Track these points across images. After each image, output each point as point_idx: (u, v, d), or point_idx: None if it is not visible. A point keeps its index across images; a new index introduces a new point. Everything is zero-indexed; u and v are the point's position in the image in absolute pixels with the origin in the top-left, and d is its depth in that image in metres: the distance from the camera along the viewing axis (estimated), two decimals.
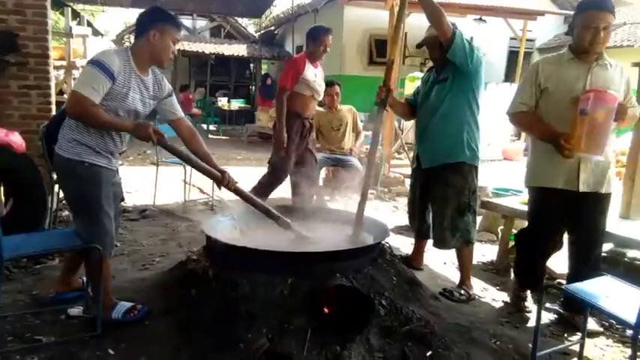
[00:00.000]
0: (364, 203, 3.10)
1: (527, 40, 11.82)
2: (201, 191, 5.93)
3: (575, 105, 2.56)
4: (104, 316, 2.50)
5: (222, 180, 2.72)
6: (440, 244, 3.27)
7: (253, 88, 19.48)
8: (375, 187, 6.45)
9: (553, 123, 2.69)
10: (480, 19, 11.24)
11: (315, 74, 4.31)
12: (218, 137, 13.13)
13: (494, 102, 7.02)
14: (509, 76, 13.70)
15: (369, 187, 3.24)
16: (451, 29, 2.97)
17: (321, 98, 4.53)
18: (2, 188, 3.55)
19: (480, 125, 3.22)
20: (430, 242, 3.62)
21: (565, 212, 2.81)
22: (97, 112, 2.31)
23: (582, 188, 2.71)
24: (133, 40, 2.57)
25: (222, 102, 16.19)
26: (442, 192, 3.19)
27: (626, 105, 2.67)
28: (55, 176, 3.64)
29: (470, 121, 3.15)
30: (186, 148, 2.72)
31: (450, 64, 3.09)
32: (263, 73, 18.67)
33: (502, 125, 9.71)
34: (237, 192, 2.83)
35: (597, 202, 2.78)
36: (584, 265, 2.83)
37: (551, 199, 2.80)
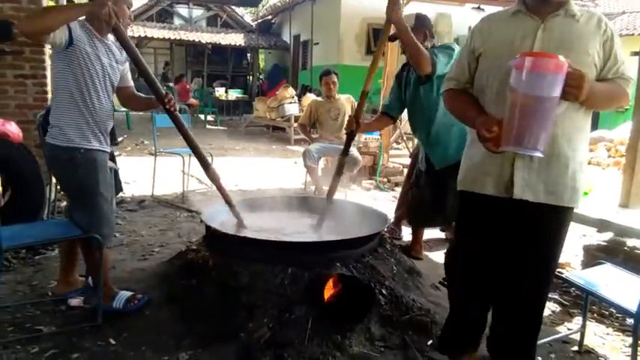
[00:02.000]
0: (335, 187, 3.15)
1: None
2: (200, 181, 5.92)
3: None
4: (105, 305, 2.50)
5: (164, 97, 2.60)
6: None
7: (251, 78, 19.40)
8: (374, 177, 6.44)
9: (488, 104, 1.85)
10: (479, 7, 11.18)
11: None
12: (216, 128, 13.08)
13: None
14: None
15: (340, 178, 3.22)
16: (429, 64, 2.87)
17: None
18: (0, 179, 3.53)
19: None
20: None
21: (497, 230, 1.96)
22: (45, 10, 2.22)
23: (519, 194, 1.81)
24: (129, 30, 2.53)
25: (220, 92, 16.12)
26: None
27: (582, 72, 1.63)
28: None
29: None
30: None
31: None
32: (274, 64, 18.57)
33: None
34: (174, 116, 2.68)
35: (546, 218, 1.86)
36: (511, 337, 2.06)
37: (477, 208, 1.98)
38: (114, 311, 2.52)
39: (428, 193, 3.41)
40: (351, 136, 3.19)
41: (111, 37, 2.53)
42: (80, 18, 2.36)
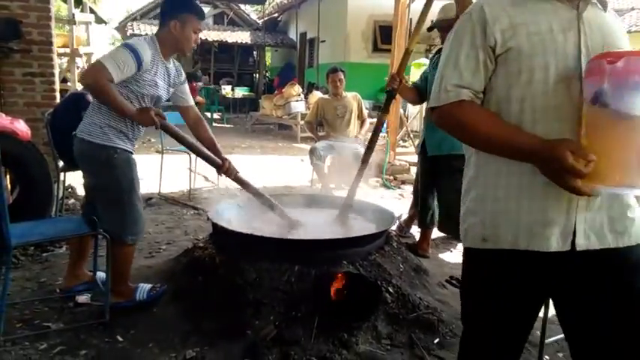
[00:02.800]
0: (357, 185, 3.14)
1: None
2: (207, 179, 5.93)
3: (573, 85, 1.26)
4: (113, 302, 2.52)
5: (222, 167, 2.71)
6: (456, 231, 3.24)
7: (257, 75, 19.41)
8: (381, 174, 6.43)
9: (522, 124, 1.29)
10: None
11: None
12: (222, 125, 13.11)
13: None
14: None
15: (365, 171, 3.20)
16: None
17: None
18: (8, 176, 3.55)
19: None
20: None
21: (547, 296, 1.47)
22: (109, 88, 2.30)
23: (583, 244, 1.26)
24: (135, 28, 2.55)
25: (226, 90, 16.14)
26: (454, 181, 3.14)
27: None
28: (61, 163, 3.65)
29: None
30: (190, 134, 2.71)
31: None
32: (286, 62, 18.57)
33: None
34: (238, 180, 2.82)
35: (624, 268, 1.31)
36: None
37: (522, 272, 1.33)
38: (122, 307, 2.53)
39: (422, 181, 3.50)
40: (391, 95, 3.15)
41: (172, 60, 2.63)
42: (155, 44, 2.49)
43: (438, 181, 3.28)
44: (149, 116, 2.37)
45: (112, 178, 2.46)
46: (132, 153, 2.55)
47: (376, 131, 3.15)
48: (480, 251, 1.37)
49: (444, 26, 3.14)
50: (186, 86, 2.79)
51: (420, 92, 3.47)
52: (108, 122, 2.43)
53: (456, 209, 3.16)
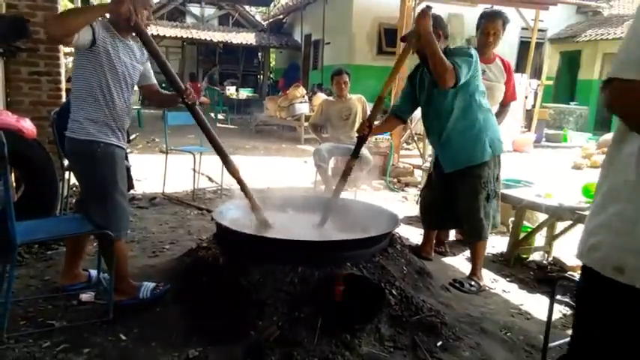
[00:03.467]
0: (341, 188, 3.19)
1: (539, 30, 11.66)
2: (210, 179, 5.94)
3: None
4: (117, 300, 2.52)
5: (184, 91, 2.63)
6: (477, 236, 3.20)
7: (261, 77, 19.45)
8: (384, 177, 6.43)
9: None
10: (492, 7, 11.10)
11: (482, 70, 3.40)
12: (226, 126, 13.12)
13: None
14: (520, 67, 13.56)
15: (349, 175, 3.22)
16: (453, 78, 2.80)
17: (491, 103, 3.46)
18: (14, 174, 3.56)
19: (491, 112, 3.19)
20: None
21: None
22: (66, 12, 2.31)
23: None
24: None
25: (231, 91, 16.17)
26: (472, 186, 3.13)
27: None
28: (66, 162, 3.66)
29: (484, 117, 3.10)
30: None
31: None
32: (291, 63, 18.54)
33: (512, 116, 9.65)
34: (193, 110, 2.71)
35: None
36: None
37: None
38: (126, 306, 2.54)
39: (438, 195, 3.40)
40: (362, 140, 3.20)
41: (132, 37, 2.59)
42: (103, 18, 2.43)
43: (454, 189, 3.23)
44: (125, 4, 2.27)
45: (94, 173, 2.48)
46: (118, 146, 2.54)
47: (344, 176, 3.18)
48: (606, 279, 1.13)
49: (417, 37, 3.08)
50: (149, 64, 2.77)
51: (399, 116, 3.43)
52: (87, 115, 2.44)
53: (475, 216, 3.12)
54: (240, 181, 2.88)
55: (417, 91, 3.27)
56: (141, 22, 2.41)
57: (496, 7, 4.74)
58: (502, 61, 3.76)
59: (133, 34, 2.55)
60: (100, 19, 2.43)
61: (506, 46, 13.14)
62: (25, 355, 2.14)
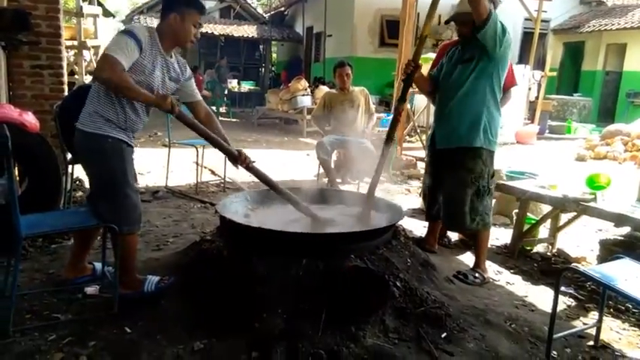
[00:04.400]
0: (377, 181, 3.11)
1: (542, 20, 11.59)
2: (213, 173, 5.94)
3: None
4: (123, 293, 2.53)
5: (238, 157, 2.73)
6: (457, 226, 3.25)
7: (263, 70, 19.39)
8: (387, 169, 6.42)
9: None
10: None
11: None
12: (228, 120, 13.11)
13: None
14: (523, 58, 13.49)
15: (383, 167, 3.20)
16: (487, 10, 2.83)
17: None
18: (17, 168, 3.56)
19: (500, 110, 3.17)
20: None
21: None
22: (126, 78, 2.32)
23: None
24: (142, 21, 2.54)
25: (232, 84, 16.12)
26: (461, 176, 3.13)
27: None
28: (69, 156, 3.66)
29: (490, 105, 3.09)
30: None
31: (476, 44, 2.98)
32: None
33: (515, 108, 9.59)
34: (253, 170, 2.82)
35: None
36: None
37: None
38: (131, 299, 2.54)
39: (432, 182, 3.43)
40: (407, 82, 3.12)
41: (174, 53, 2.64)
42: (151, 29, 2.51)
43: (443, 175, 3.25)
44: (168, 102, 2.39)
45: (104, 167, 2.48)
46: (127, 144, 2.54)
47: (395, 121, 3.15)
48: None
49: (461, 19, 3.10)
50: (193, 82, 2.80)
51: (433, 83, 3.41)
52: (99, 111, 2.44)
53: (457, 206, 3.12)
54: (252, 169, 2.88)
55: (446, 65, 3.28)
56: (181, 110, 2.48)
57: None
58: None
59: (177, 48, 2.60)
60: (148, 27, 2.48)
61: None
62: (31, 348, 2.15)
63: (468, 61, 3.08)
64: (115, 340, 2.25)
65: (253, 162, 2.81)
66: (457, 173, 3.15)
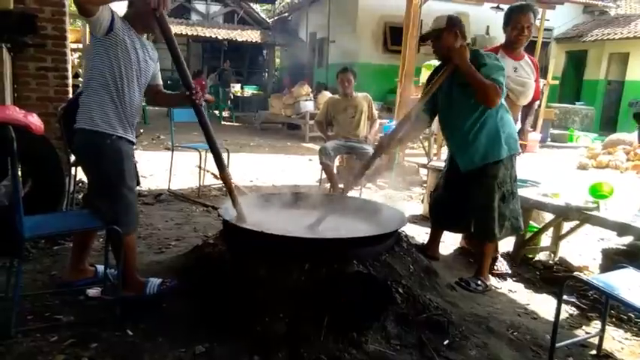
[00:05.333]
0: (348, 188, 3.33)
1: (545, 29, 11.62)
2: (216, 177, 5.93)
3: None
4: (124, 295, 2.53)
5: (192, 89, 2.62)
6: (486, 236, 3.14)
7: (266, 74, 19.45)
8: (389, 176, 6.42)
9: None
10: (498, 7, 11.06)
11: (514, 67, 3.45)
12: (231, 124, 13.14)
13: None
14: None
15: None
16: (499, 95, 2.89)
17: (523, 102, 3.59)
18: (21, 170, 3.57)
19: (508, 110, 3.16)
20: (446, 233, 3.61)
21: None
22: None
23: None
24: None
25: (236, 88, 16.16)
26: (486, 185, 3.07)
27: None
28: (73, 158, 3.67)
29: (501, 115, 3.07)
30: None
31: None
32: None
33: (519, 116, 9.61)
34: (197, 109, 2.69)
35: None
36: None
37: None
38: (133, 301, 2.54)
39: (450, 194, 3.32)
40: (375, 156, 3.29)
41: (146, 36, 2.63)
42: (121, 12, 2.49)
43: (468, 188, 3.16)
44: None
45: (102, 167, 2.49)
46: (128, 141, 2.56)
47: (354, 180, 3.37)
48: None
49: (435, 36, 3.07)
50: (158, 65, 2.79)
51: (430, 110, 3.32)
52: (97, 107, 2.46)
53: (486, 215, 3.04)
54: (230, 190, 2.86)
55: (437, 93, 3.20)
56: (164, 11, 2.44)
57: (502, 6, 4.70)
58: (530, 58, 3.62)
59: (148, 33, 2.60)
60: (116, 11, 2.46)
61: None
62: (33, 349, 2.15)
63: (465, 85, 2.98)
64: (117, 343, 2.24)
65: (202, 104, 2.70)
66: (483, 182, 3.08)
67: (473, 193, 3.12)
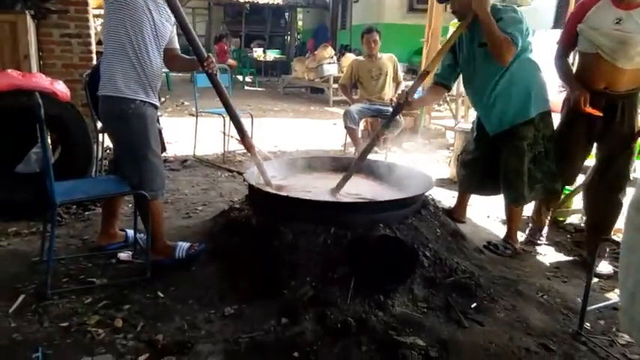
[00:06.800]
0: (367, 152, 3.07)
1: None
2: (240, 142, 5.94)
3: None
4: (155, 259, 2.58)
5: (205, 59, 2.60)
6: (515, 200, 3.05)
7: (289, 38, 19.16)
8: (415, 139, 6.32)
9: None
10: None
11: (617, 19, 2.73)
12: (254, 89, 13.06)
13: (542, 51, 6.64)
14: (558, 22, 12.93)
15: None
16: (512, 52, 2.73)
17: (626, 64, 2.74)
18: (49, 137, 3.62)
19: (538, 66, 3.01)
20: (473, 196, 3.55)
21: None
22: None
23: None
24: None
25: (258, 53, 16.00)
26: (515, 148, 2.96)
27: None
28: (99, 124, 3.70)
29: (533, 74, 2.94)
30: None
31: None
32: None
33: (549, 76, 9.26)
34: (212, 79, 2.68)
35: None
36: None
37: None
38: (162, 265, 2.59)
39: (479, 157, 3.24)
40: (397, 111, 3.11)
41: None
42: None
43: (497, 151, 3.07)
44: None
45: (127, 133, 2.50)
46: (151, 105, 2.56)
47: (372, 143, 3.10)
48: None
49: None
50: (175, 28, 2.75)
51: (443, 84, 3.22)
52: (119, 72, 2.45)
53: (516, 178, 2.89)
54: (254, 156, 2.86)
55: (457, 53, 3.10)
56: None
57: None
58: None
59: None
60: None
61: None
62: (69, 310, 2.22)
63: (487, 45, 2.83)
64: (149, 304, 2.30)
65: (216, 73, 2.67)
66: (513, 145, 2.97)
67: (502, 156, 3.03)
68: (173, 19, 2.64)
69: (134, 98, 2.47)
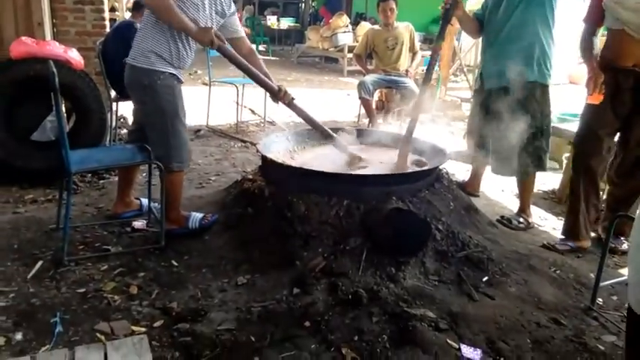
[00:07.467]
0: (414, 126, 2.96)
1: None
2: (253, 112, 5.92)
3: None
4: (179, 228, 2.63)
5: (278, 93, 2.70)
6: (506, 172, 3.09)
7: (303, 5, 18.80)
8: (430, 110, 6.22)
9: None
10: None
11: None
12: (267, 58, 12.90)
13: (561, 19, 6.42)
14: None
15: (421, 111, 3.07)
16: None
17: None
18: (64, 105, 3.64)
19: (555, 40, 2.95)
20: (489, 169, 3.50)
21: None
22: (173, 6, 2.34)
23: None
24: None
25: (271, 20, 15.74)
26: (511, 116, 2.94)
27: None
28: (113, 93, 3.70)
29: (543, 37, 2.89)
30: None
31: None
32: None
33: (569, 46, 8.98)
34: (293, 107, 2.79)
35: None
36: None
37: None
38: (176, 234, 2.62)
39: (477, 114, 3.25)
40: (445, 18, 2.93)
41: None
42: None
43: (496, 117, 3.04)
44: (209, 35, 2.41)
45: (155, 103, 2.50)
46: (178, 79, 2.56)
47: (431, 63, 2.97)
48: None
49: None
50: (237, 18, 2.76)
51: (480, 23, 3.18)
52: (152, 48, 2.45)
53: (506, 150, 2.84)
54: (291, 106, 2.88)
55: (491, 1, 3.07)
56: (224, 45, 2.49)
57: None
58: None
59: None
60: None
61: None
62: (85, 276, 2.27)
63: None
64: (163, 272, 2.34)
65: (293, 99, 2.75)
66: (508, 114, 2.94)
67: (495, 124, 2.99)
68: (233, 9, 2.67)
69: (163, 70, 2.47)
